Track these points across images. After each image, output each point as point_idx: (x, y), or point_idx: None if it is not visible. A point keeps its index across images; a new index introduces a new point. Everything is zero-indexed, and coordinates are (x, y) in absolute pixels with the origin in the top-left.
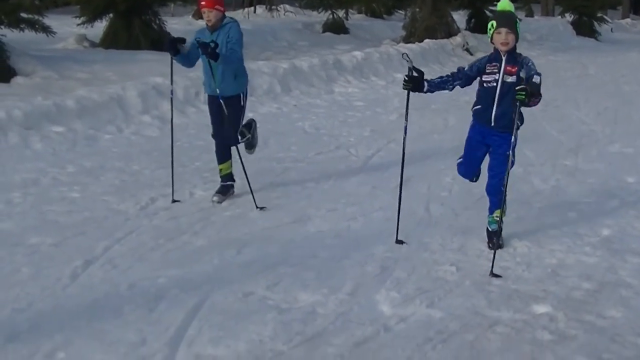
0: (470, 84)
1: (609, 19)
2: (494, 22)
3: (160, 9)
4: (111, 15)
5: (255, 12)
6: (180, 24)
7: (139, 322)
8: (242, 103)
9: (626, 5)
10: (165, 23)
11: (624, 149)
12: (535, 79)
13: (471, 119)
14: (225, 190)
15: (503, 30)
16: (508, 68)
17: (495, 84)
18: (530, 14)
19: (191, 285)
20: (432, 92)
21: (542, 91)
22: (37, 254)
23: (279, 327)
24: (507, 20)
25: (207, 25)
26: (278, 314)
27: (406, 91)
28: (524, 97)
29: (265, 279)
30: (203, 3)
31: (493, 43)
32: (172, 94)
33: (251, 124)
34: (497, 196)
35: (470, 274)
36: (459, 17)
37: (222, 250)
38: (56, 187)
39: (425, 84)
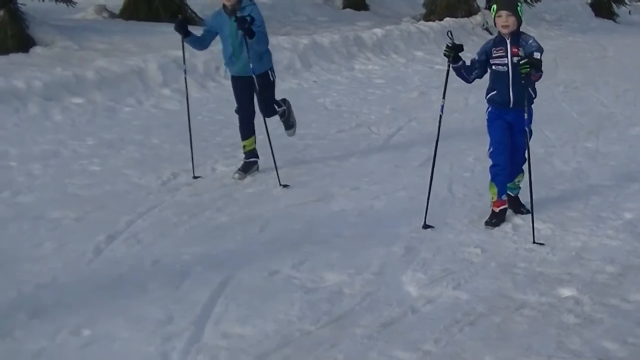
0: (486, 71)
1: (627, 1)
2: (495, 5)
3: None
4: None
5: None
6: None
7: (164, 299)
8: (271, 78)
9: None
10: None
11: None
12: (536, 55)
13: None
14: (248, 167)
15: (503, 13)
16: (514, 50)
17: (506, 69)
18: None
19: (216, 263)
20: (460, 72)
21: (561, 72)
22: (59, 228)
23: (306, 307)
24: (507, 3)
25: (224, 8)
26: (304, 293)
27: (446, 60)
28: (528, 69)
29: (290, 257)
30: None
31: (496, 27)
32: (185, 73)
33: (284, 100)
34: (520, 165)
35: (495, 255)
36: None
37: (245, 227)
38: (76, 160)
39: (462, 60)
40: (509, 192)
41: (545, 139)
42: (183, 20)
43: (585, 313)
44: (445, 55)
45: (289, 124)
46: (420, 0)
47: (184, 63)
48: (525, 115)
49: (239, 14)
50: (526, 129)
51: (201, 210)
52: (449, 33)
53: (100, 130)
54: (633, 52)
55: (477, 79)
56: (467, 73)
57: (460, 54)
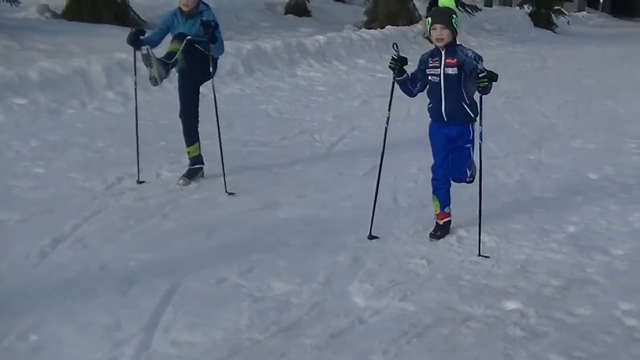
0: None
1: (565, 12)
2: (429, 19)
3: None
4: None
5: None
6: None
7: (112, 305)
8: (209, 64)
9: None
10: None
11: (585, 144)
12: (479, 66)
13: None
14: (193, 173)
15: (438, 26)
16: (448, 60)
17: (438, 79)
18: (489, 4)
19: (163, 269)
20: (406, 85)
21: (502, 82)
22: (3, 231)
23: (255, 316)
24: (442, 17)
25: (180, 10)
26: (253, 302)
27: (391, 72)
28: (486, 82)
29: (237, 265)
30: None
31: (431, 39)
32: (135, 85)
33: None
34: (459, 181)
35: (440, 267)
36: (421, 4)
37: (192, 234)
38: (20, 162)
39: (406, 73)
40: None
41: (487, 151)
42: (136, 33)
43: (531, 326)
44: (390, 67)
45: (149, 62)
46: (361, 7)
47: (135, 74)
48: (474, 129)
49: (204, 18)
50: (468, 145)
51: (147, 215)
52: (395, 45)
53: (43, 131)
54: (572, 62)
55: (420, 92)
56: (412, 85)
57: (404, 67)
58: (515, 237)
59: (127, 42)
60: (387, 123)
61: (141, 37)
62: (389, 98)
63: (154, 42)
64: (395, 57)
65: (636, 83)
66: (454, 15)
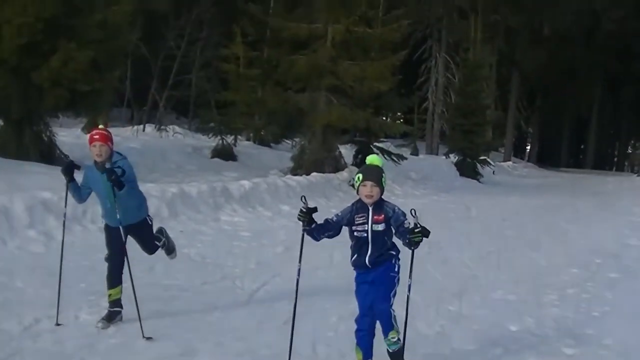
0: (339, 233)
1: (491, 162)
2: (360, 175)
3: (50, 119)
4: (1, 122)
5: (144, 130)
6: (69, 137)
7: None
8: (149, 222)
9: (508, 149)
10: (55, 135)
11: (506, 295)
12: (406, 223)
13: None
14: (112, 316)
15: (369, 183)
16: (375, 217)
17: (366, 234)
18: (415, 152)
19: None
20: (312, 233)
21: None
22: None
23: None
24: (373, 175)
25: (95, 162)
26: None
27: (301, 224)
28: (420, 237)
29: None
30: (96, 137)
31: (359, 195)
32: (64, 217)
33: (161, 230)
34: (388, 319)
35: None
36: (347, 152)
37: None
38: None
39: (315, 222)
40: (387, 348)
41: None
42: (70, 164)
43: None
44: (299, 219)
45: (169, 250)
46: (288, 153)
47: (65, 206)
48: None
49: (108, 166)
50: (392, 274)
51: (63, 359)
52: (303, 198)
53: None
54: (496, 212)
55: (327, 239)
56: (318, 233)
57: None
58: None
59: (61, 172)
60: (299, 275)
61: (75, 178)
62: (307, 245)
63: (82, 194)
64: (304, 209)
65: (558, 235)
66: (383, 175)
